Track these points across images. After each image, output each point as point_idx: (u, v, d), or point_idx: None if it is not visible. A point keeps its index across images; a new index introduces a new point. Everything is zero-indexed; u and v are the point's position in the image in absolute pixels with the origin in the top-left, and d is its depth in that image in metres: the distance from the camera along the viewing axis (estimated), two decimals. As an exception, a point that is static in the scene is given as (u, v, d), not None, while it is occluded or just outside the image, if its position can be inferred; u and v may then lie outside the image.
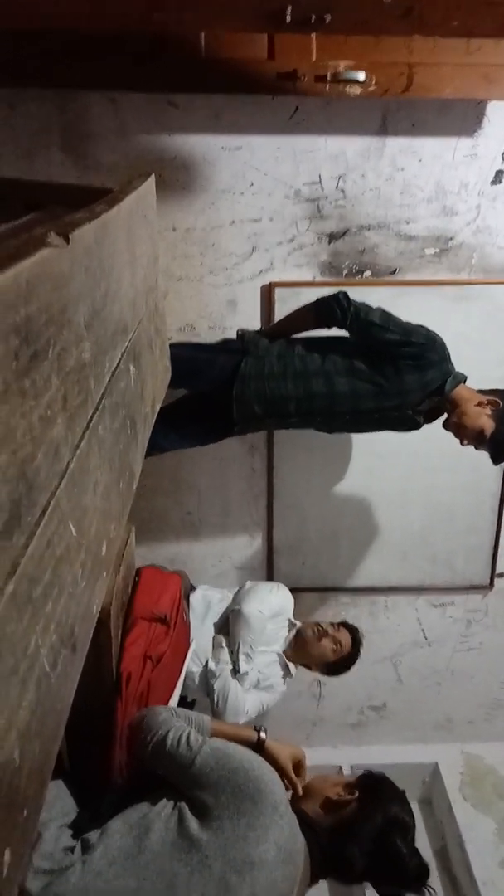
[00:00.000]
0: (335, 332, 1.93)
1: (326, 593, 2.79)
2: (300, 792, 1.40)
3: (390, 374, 1.83)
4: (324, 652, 2.18)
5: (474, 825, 2.83)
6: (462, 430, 1.89)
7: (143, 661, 1.67)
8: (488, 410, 1.86)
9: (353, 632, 2.25)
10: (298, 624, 2.22)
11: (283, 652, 2.17)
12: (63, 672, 0.66)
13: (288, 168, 2.13)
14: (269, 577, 2.70)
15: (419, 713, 3.12)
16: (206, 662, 2.01)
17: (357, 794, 1.39)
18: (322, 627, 2.20)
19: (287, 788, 1.40)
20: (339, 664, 2.22)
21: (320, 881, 1.38)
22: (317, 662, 2.22)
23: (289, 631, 2.20)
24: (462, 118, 2.09)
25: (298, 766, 1.47)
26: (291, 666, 2.17)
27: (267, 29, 1.79)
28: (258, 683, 2.07)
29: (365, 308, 1.85)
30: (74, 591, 0.70)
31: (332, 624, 2.24)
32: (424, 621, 2.91)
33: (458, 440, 1.92)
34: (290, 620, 2.22)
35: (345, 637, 2.21)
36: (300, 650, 2.19)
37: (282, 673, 2.15)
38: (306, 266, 2.27)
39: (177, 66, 1.82)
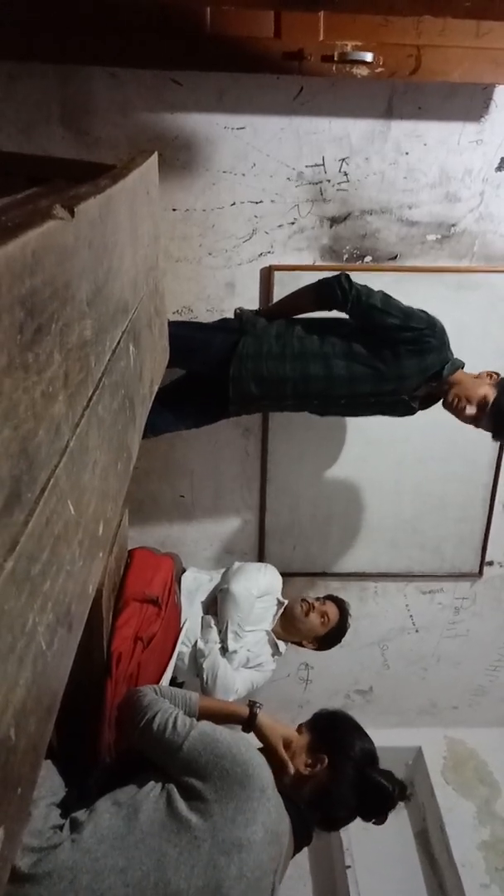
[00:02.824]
0: (335, 314, 1.91)
1: (317, 578, 2.80)
2: (291, 770, 1.41)
3: (389, 359, 1.82)
4: (313, 626, 2.20)
5: (455, 808, 2.87)
6: (463, 399, 1.83)
7: (134, 642, 1.68)
8: (489, 380, 1.84)
9: (340, 603, 2.28)
10: (286, 602, 2.24)
11: (273, 630, 2.18)
12: (59, 651, 0.66)
13: (291, 150, 2.10)
14: (261, 560, 2.70)
15: (405, 698, 3.16)
16: (196, 642, 2.02)
17: (326, 761, 1.42)
18: (308, 602, 2.23)
19: (283, 767, 1.42)
20: (330, 636, 2.24)
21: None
22: (307, 637, 2.23)
23: (277, 609, 2.22)
24: (469, 103, 2.07)
25: (288, 745, 1.48)
26: (281, 644, 2.19)
27: (274, 6, 1.76)
28: (248, 662, 2.09)
29: (366, 291, 1.83)
30: (72, 569, 0.69)
31: (317, 598, 2.27)
32: (413, 607, 2.93)
33: (458, 418, 1.87)
34: (278, 599, 2.24)
35: (331, 609, 2.24)
36: (289, 627, 2.21)
37: (271, 651, 2.17)
38: (307, 250, 2.25)
39: (181, 42, 1.78)
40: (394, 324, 1.80)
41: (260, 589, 2.13)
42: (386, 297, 1.83)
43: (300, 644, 2.26)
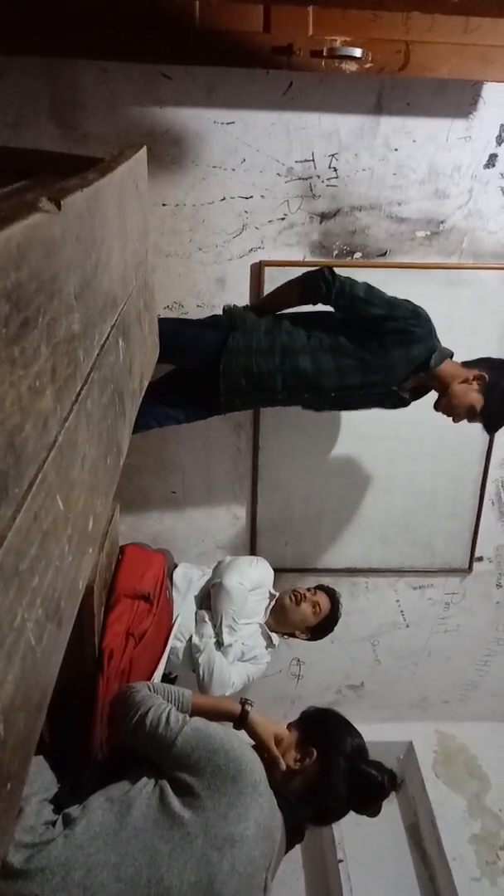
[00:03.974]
0: (321, 307, 1.92)
1: (308, 574, 2.81)
2: (283, 766, 1.42)
3: (375, 349, 1.84)
4: (304, 616, 2.20)
5: (446, 802, 2.89)
6: (453, 409, 1.90)
7: (126, 638, 1.68)
8: (475, 386, 1.87)
9: (331, 593, 2.28)
10: (277, 594, 2.25)
11: (266, 623, 2.19)
12: (48, 647, 0.66)
13: (281, 145, 2.09)
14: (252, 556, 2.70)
15: (395, 693, 3.17)
16: (190, 637, 2.02)
17: (315, 755, 1.43)
18: (299, 592, 2.23)
19: (274, 763, 1.42)
20: (322, 626, 2.25)
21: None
22: (299, 627, 2.24)
23: (269, 602, 2.23)
24: (458, 99, 2.07)
25: (279, 742, 1.48)
26: (274, 636, 2.19)
27: (263, 0, 1.75)
28: (242, 656, 2.09)
29: (350, 283, 1.85)
30: (61, 565, 0.69)
31: (308, 588, 2.27)
32: (403, 603, 2.94)
33: (450, 419, 1.93)
34: (269, 592, 2.25)
35: (322, 599, 2.24)
36: (281, 618, 2.21)
37: (265, 644, 2.17)
38: (297, 245, 2.24)
39: (170, 36, 1.77)
40: (378, 314, 1.82)
41: (252, 582, 2.13)
42: (370, 289, 1.85)
43: (293, 635, 2.27)
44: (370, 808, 1.47)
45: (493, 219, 2.26)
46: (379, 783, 1.43)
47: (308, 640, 2.29)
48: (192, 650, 2.01)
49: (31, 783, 1.30)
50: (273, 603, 2.23)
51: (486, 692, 3.21)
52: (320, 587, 2.30)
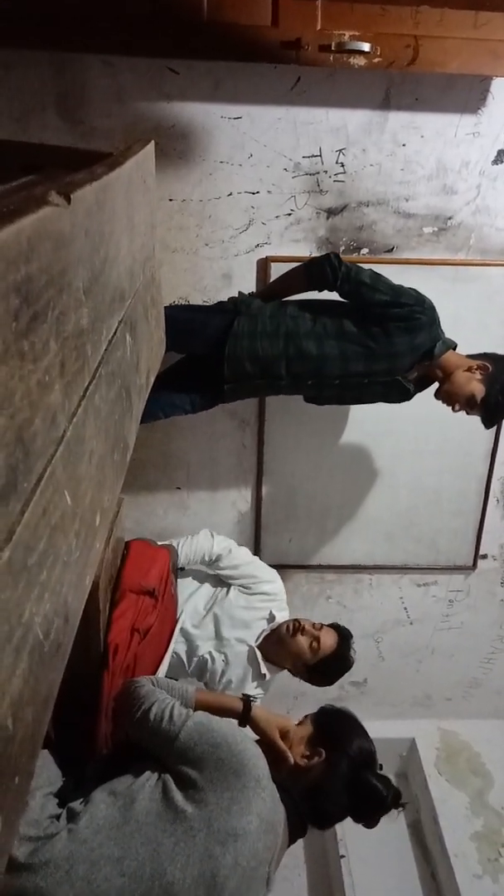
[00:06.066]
0: (326, 294, 1.92)
1: (312, 570, 2.81)
2: (290, 760, 1.41)
3: (380, 336, 1.83)
4: (299, 650, 1.92)
5: (448, 799, 2.89)
6: (453, 397, 1.90)
7: (131, 633, 1.68)
8: (478, 375, 1.87)
9: (341, 633, 2.00)
10: (277, 616, 2.05)
11: (259, 647, 1.99)
12: (56, 641, 0.66)
13: (288, 140, 2.09)
14: (256, 552, 2.70)
15: (399, 690, 3.17)
16: (215, 654, 1.99)
17: (324, 755, 1.42)
18: (299, 623, 1.96)
19: (282, 757, 1.42)
20: (322, 667, 1.96)
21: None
22: (293, 662, 1.97)
23: (268, 623, 2.03)
24: (466, 94, 2.06)
25: (285, 736, 1.48)
26: (263, 665, 1.97)
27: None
28: (224, 674, 1.97)
29: (356, 269, 1.85)
30: (68, 560, 0.69)
31: (315, 623, 1.98)
32: (407, 600, 2.94)
33: (449, 408, 1.93)
34: (271, 612, 2.05)
35: (328, 637, 1.95)
36: (273, 646, 1.98)
37: (251, 671, 1.97)
38: (303, 241, 2.24)
39: (177, 30, 1.76)
40: (383, 300, 1.82)
41: (250, 557, 2.17)
42: (375, 275, 1.86)
43: (289, 670, 2.02)
44: (369, 820, 1.46)
45: (502, 215, 2.25)
46: (382, 797, 1.41)
47: (307, 681, 2.02)
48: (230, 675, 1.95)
49: (36, 777, 1.31)
50: (271, 627, 2.02)
51: (489, 689, 3.21)
52: (332, 625, 2.01)
